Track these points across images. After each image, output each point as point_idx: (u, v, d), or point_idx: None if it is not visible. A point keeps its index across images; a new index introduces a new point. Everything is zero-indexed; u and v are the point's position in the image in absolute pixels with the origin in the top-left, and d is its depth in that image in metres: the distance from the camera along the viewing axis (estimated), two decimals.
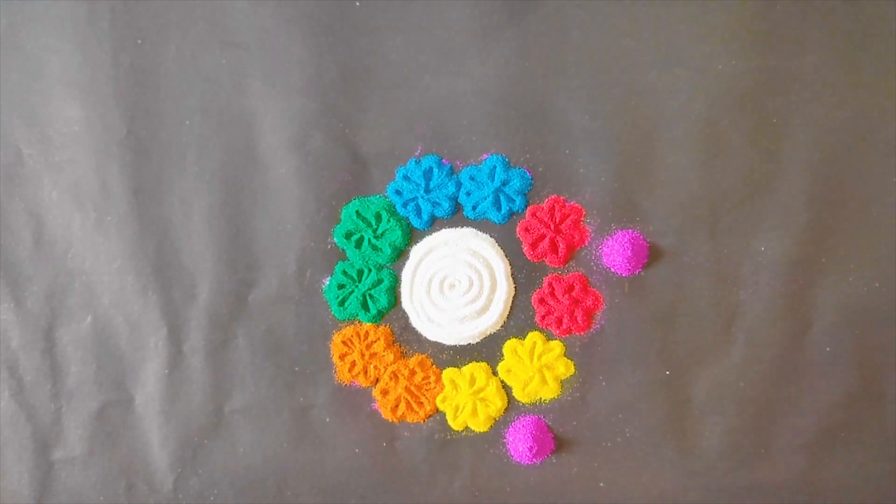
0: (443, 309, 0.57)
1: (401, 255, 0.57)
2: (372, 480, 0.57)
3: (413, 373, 0.57)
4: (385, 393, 0.57)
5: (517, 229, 0.57)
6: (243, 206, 0.57)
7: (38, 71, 0.57)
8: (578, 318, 0.56)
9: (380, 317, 0.57)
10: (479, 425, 0.57)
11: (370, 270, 0.57)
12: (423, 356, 0.57)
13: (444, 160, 0.57)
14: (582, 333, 0.56)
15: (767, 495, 0.56)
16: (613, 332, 0.56)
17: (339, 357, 0.57)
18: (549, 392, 0.57)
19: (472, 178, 0.56)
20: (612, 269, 0.56)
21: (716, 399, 0.56)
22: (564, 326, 0.56)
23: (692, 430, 0.56)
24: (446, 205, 0.57)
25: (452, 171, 0.57)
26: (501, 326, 0.57)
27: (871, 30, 0.54)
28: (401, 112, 0.56)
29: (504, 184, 0.56)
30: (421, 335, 0.57)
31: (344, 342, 0.57)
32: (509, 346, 0.57)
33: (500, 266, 0.57)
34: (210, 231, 0.57)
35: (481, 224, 0.57)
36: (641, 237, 0.56)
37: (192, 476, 0.58)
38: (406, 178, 0.57)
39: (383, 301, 0.57)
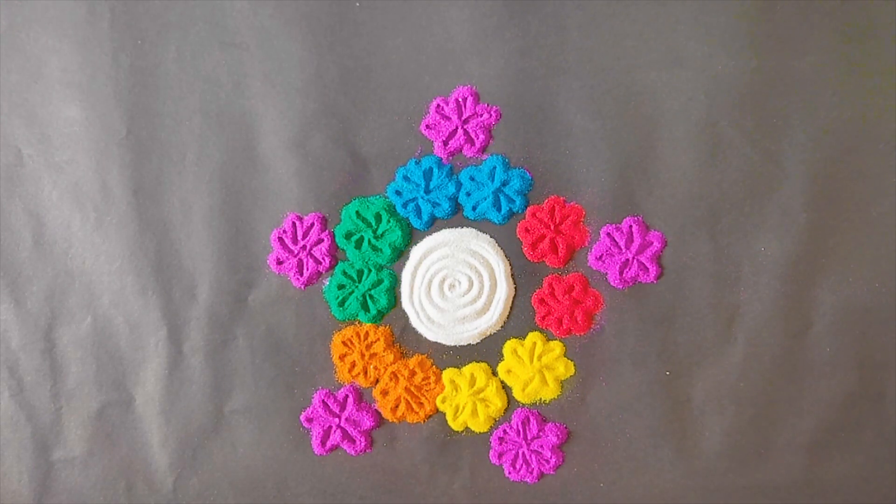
0: (443, 309, 0.57)
1: (401, 255, 0.57)
2: (372, 480, 0.57)
3: (413, 373, 0.57)
4: (385, 393, 0.57)
5: (517, 229, 0.57)
6: (243, 206, 0.57)
7: (38, 71, 0.57)
8: (578, 319, 0.56)
9: (380, 317, 0.57)
10: (479, 426, 0.57)
11: (370, 271, 0.57)
12: (423, 356, 0.57)
13: (444, 160, 0.57)
14: (582, 334, 0.56)
15: (767, 495, 0.56)
16: (613, 332, 0.56)
17: (339, 357, 0.57)
18: (549, 392, 0.56)
19: (472, 179, 0.56)
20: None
21: (716, 399, 0.56)
22: (564, 327, 0.56)
23: (692, 430, 0.56)
24: (446, 205, 0.56)
25: (452, 172, 0.57)
26: (501, 327, 0.57)
27: (871, 30, 0.54)
28: (401, 112, 0.56)
29: (504, 184, 0.56)
30: (421, 335, 0.57)
31: (344, 342, 0.57)
32: (509, 346, 0.57)
33: (500, 266, 0.57)
34: (210, 231, 0.57)
35: (481, 224, 0.57)
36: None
37: (192, 476, 0.58)
38: (406, 178, 0.57)
39: (383, 301, 0.57)
